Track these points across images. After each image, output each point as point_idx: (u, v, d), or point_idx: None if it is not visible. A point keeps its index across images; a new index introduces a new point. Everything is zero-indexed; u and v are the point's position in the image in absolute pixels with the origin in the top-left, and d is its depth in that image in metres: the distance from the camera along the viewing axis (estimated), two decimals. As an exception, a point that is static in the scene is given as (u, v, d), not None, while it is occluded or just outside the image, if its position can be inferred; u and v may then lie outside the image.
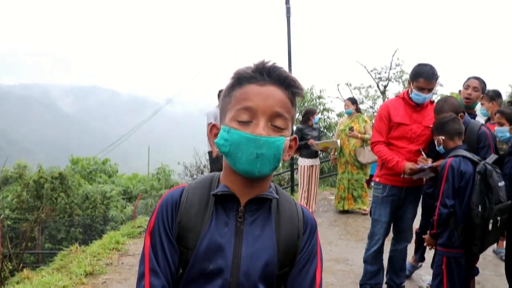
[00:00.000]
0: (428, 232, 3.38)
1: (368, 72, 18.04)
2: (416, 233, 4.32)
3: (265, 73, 1.21)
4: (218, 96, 7.61)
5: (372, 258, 3.84)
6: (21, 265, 10.25)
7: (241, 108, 1.18)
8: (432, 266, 4.34)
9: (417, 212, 3.98)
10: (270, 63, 1.22)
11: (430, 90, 3.56)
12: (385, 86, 18.06)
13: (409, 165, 3.48)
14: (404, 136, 3.66)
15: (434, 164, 3.41)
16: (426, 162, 3.47)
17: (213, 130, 1.28)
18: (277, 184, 1.39)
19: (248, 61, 1.25)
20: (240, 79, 1.22)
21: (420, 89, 3.52)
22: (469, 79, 4.07)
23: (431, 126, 3.55)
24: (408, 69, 3.81)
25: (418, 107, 3.65)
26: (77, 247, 5.86)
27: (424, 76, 3.49)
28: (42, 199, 15.52)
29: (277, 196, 1.28)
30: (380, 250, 3.84)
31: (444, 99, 3.63)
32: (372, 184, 3.96)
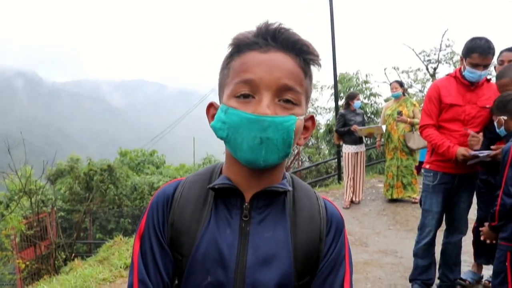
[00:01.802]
0: (487, 224, 3.04)
1: (417, 55, 17.38)
2: (474, 231, 3.94)
3: (269, 37, 0.95)
4: None
5: (423, 251, 3.57)
6: (73, 254, 10.59)
7: (240, 81, 0.93)
8: (476, 258, 4.00)
9: (473, 201, 3.64)
10: (276, 25, 0.95)
11: (485, 66, 3.21)
12: (435, 69, 17.35)
13: (461, 150, 3.20)
14: (457, 119, 3.33)
15: (493, 152, 3.07)
16: (477, 142, 3.16)
17: (210, 110, 1.03)
18: (293, 175, 1.13)
19: None
20: (240, 46, 0.97)
21: (474, 65, 3.18)
22: (502, 52, 3.64)
23: (487, 106, 3.23)
24: (460, 50, 3.44)
25: (472, 86, 3.31)
26: (121, 238, 5.91)
27: (478, 50, 3.14)
28: (92, 191, 15.98)
29: (290, 188, 1.02)
30: (431, 243, 3.56)
31: (509, 66, 3.26)
32: (422, 171, 3.65)
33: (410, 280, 3.72)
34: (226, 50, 1.01)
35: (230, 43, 0.99)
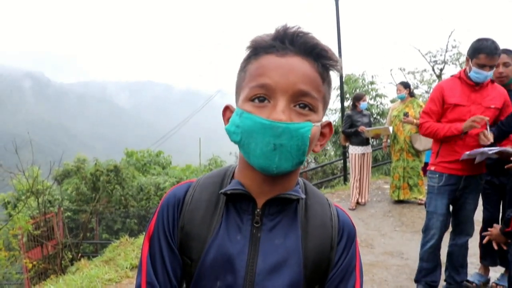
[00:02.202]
0: (497, 226, 2.99)
1: (423, 56, 17.32)
2: (481, 232, 3.91)
3: (287, 41, 0.92)
4: None
5: (429, 255, 3.55)
6: (79, 254, 10.64)
7: (256, 85, 0.91)
8: (481, 260, 3.97)
9: (478, 203, 3.61)
10: (294, 28, 0.93)
11: (491, 67, 3.19)
12: (441, 70, 17.28)
13: (469, 121, 3.17)
14: (462, 119, 3.30)
15: (502, 148, 3.06)
16: (486, 140, 3.14)
17: (226, 113, 1.01)
18: (306, 180, 1.11)
19: None
20: (257, 49, 0.94)
21: (481, 66, 3.17)
22: None
23: (492, 106, 3.23)
24: (466, 50, 3.40)
25: (477, 86, 3.29)
26: (127, 239, 5.93)
27: (485, 51, 3.13)
28: (99, 191, 16.04)
29: (303, 196, 1.00)
30: (437, 246, 3.53)
31: None
32: (428, 173, 3.62)
33: (415, 281, 3.70)
34: (244, 53, 0.99)
35: (248, 45, 0.97)
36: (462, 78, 3.34)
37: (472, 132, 3.25)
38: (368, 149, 7.25)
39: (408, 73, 17.35)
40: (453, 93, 3.33)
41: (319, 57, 0.94)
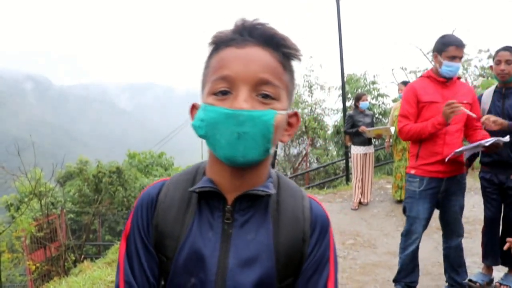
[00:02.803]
0: None
1: (424, 55, 17.29)
2: (483, 231, 3.91)
3: (245, 33, 0.94)
4: None
5: (410, 258, 3.50)
6: (82, 256, 10.66)
7: (217, 78, 0.92)
8: (483, 259, 3.96)
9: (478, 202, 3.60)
10: (253, 20, 0.95)
11: (460, 58, 3.23)
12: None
13: (446, 109, 3.06)
14: None
15: (499, 138, 3.08)
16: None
17: (193, 111, 1.01)
18: (280, 173, 1.11)
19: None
20: (218, 44, 0.96)
21: (452, 58, 3.19)
22: (498, 52, 3.61)
23: (465, 102, 3.23)
24: (468, 50, 3.44)
25: (447, 82, 3.30)
26: (129, 240, 5.92)
27: (454, 43, 3.19)
28: (101, 193, 16.08)
29: (272, 192, 0.99)
30: (417, 249, 3.49)
31: None
32: (407, 176, 3.52)
33: (394, 281, 3.67)
34: (207, 50, 1.00)
35: (210, 42, 0.98)
36: (432, 77, 3.34)
37: (451, 129, 3.22)
38: (370, 149, 7.25)
39: (410, 72, 17.30)
40: (425, 92, 3.32)
41: (279, 46, 0.95)
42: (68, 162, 21.06)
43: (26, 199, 13.01)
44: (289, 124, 1.02)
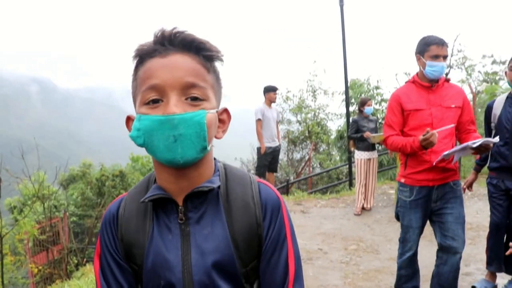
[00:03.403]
0: None
1: (428, 60, 17.22)
2: (488, 237, 3.88)
3: (166, 42, 1.00)
4: (263, 93, 7.53)
5: (407, 263, 3.37)
6: (85, 259, 10.65)
7: (146, 88, 0.98)
8: (487, 266, 3.93)
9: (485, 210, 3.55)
10: (171, 29, 1.01)
11: (445, 57, 3.06)
12: (447, 74, 17.16)
13: (421, 137, 2.91)
14: (424, 124, 3.09)
15: (487, 139, 2.90)
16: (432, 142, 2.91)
17: (129, 123, 1.06)
18: (228, 164, 1.18)
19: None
20: (142, 56, 1.02)
21: (435, 57, 3.03)
22: None
23: (453, 106, 3.09)
24: (472, 55, 3.34)
25: (432, 87, 3.12)
26: (132, 244, 5.91)
27: (435, 42, 3.03)
28: (104, 196, 16.08)
29: (215, 185, 1.05)
30: (415, 254, 3.36)
31: None
32: (398, 184, 3.39)
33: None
34: (132, 63, 1.06)
35: (133, 55, 1.04)
36: (417, 81, 3.18)
37: (439, 136, 2.97)
38: (374, 154, 7.22)
39: (413, 77, 17.30)
40: (409, 99, 3.16)
41: (199, 50, 1.02)
42: (71, 166, 21.10)
43: (29, 202, 13.03)
44: (221, 121, 1.09)
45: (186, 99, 0.98)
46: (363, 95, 14.09)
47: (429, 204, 3.20)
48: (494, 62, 15.11)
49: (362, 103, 7.25)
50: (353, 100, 13.99)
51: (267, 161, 7.52)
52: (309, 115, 16.58)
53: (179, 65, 0.99)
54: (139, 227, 1.07)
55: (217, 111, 1.05)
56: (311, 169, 15.40)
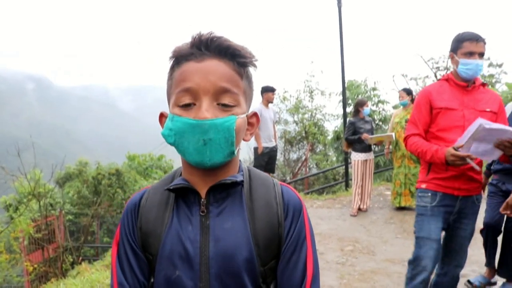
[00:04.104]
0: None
1: (425, 62, 17.27)
2: (481, 231, 3.92)
3: (202, 47, 1.04)
4: (261, 93, 7.55)
5: None
6: (80, 258, 10.64)
7: (181, 90, 1.02)
8: (487, 265, 3.98)
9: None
10: (208, 34, 1.04)
11: (480, 55, 2.77)
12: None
13: (451, 150, 2.62)
14: (455, 125, 2.80)
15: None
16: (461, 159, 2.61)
17: (162, 119, 1.11)
18: (251, 167, 1.22)
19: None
20: (178, 58, 1.06)
21: (469, 54, 2.76)
22: None
23: (488, 110, 2.79)
24: None
25: (468, 87, 2.84)
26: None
27: (468, 37, 2.76)
28: (100, 195, 16.04)
29: (239, 179, 1.09)
30: (428, 279, 2.90)
31: None
32: (417, 192, 3.03)
33: None
34: (168, 63, 1.10)
35: (170, 56, 1.08)
36: (451, 79, 2.89)
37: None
38: (370, 156, 7.25)
39: (411, 79, 17.31)
40: (441, 97, 2.87)
41: (234, 57, 1.05)
42: (67, 164, 21.02)
43: (25, 200, 12.99)
44: (250, 124, 1.13)
45: (218, 104, 1.02)
46: (360, 96, 14.13)
47: (449, 217, 2.91)
48: (490, 64, 15.14)
49: (361, 104, 7.26)
50: (350, 101, 14.02)
51: (264, 161, 7.52)
52: (306, 116, 16.60)
53: (214, 70, 1.02)
54: (158, 217, 1.10)
55: (246, 115, 1.09)
56: (307, 169, 15.44)
